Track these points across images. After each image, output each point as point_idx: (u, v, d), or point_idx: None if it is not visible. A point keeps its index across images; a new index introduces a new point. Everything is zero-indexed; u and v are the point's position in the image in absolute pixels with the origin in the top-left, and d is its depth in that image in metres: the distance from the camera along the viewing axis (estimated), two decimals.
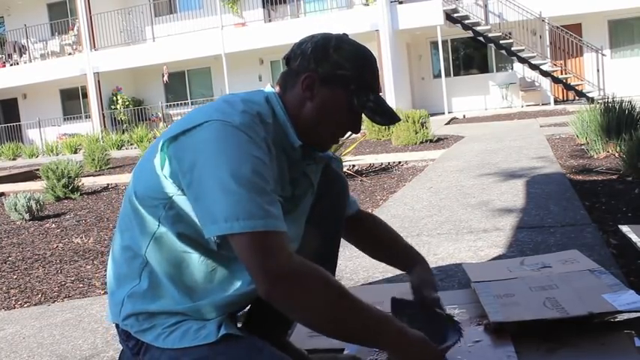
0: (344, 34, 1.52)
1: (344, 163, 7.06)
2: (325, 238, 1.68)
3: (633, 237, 2.65)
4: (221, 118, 1.31)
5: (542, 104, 18.02)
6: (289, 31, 17.32)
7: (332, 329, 1.31)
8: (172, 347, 1.37)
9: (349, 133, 1.53)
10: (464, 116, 16.89)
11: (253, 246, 1.22)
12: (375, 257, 1.99)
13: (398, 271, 2.74)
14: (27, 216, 5.90)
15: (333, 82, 1.44)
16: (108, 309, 1.51)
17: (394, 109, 1.54)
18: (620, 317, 1.83)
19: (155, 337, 1.39)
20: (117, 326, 1.49)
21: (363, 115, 1.50)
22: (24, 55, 22.90)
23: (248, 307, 1.69)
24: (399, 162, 7.86)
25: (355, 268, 2.84)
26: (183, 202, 1.35)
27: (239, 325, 1.72)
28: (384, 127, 11.82)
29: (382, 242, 1.92)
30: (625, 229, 2.81)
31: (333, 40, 1.47)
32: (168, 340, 1.38)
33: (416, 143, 9.90)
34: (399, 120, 1.52)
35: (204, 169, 1.26)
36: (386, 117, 1.48)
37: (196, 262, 1.41)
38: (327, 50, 1.44)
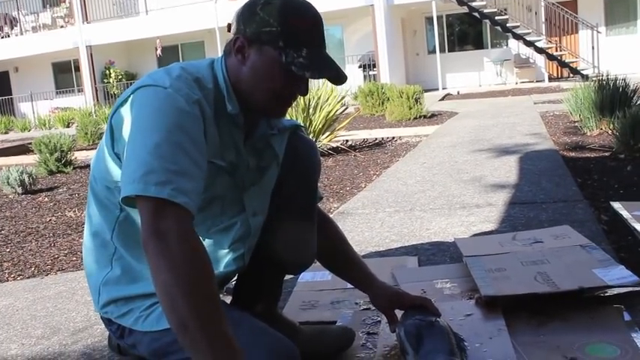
0: None
1: (337, 138, 7.09)
2: (299, 210, 1.59)
3: (624, 213, 2.67)
4: (152, 83, 1.30)
5: (537, 81, 18.00)
6: None
7: (171, 307, 1.15)
8: (151, 330, 1.37)
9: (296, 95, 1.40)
10: (458, 92, 16.86)
11: (151, 210, 1.18)
12: (326, 264, 1.78)
13: (391, 246, 2.77)
14: (20, 190, 5.87)
15: (260, 42, 1.33)
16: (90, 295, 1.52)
17: (342, 69, 1.38)
18: (610, 292, 1.86)
19: (134, 320, 1.40)
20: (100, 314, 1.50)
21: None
22: (15, 28, 22.65)
23: (236, 281, 1.69)
24: (393, 137, 7.84)
25: None
26: None
27: (229, 298, 1.73)
28: (376, 102, 11.82)
29: (335, 248, 1.74)
30: (616, 205, 2.83)
31: None
32: (146, 323, 1.38)
33: (410, 119, 9.88)
34: (341, 76, 1.36)
35: (130, 136, 1.26)
36: (318, 71, 1.33)
37: None
38: (254, 9, 1.34)
